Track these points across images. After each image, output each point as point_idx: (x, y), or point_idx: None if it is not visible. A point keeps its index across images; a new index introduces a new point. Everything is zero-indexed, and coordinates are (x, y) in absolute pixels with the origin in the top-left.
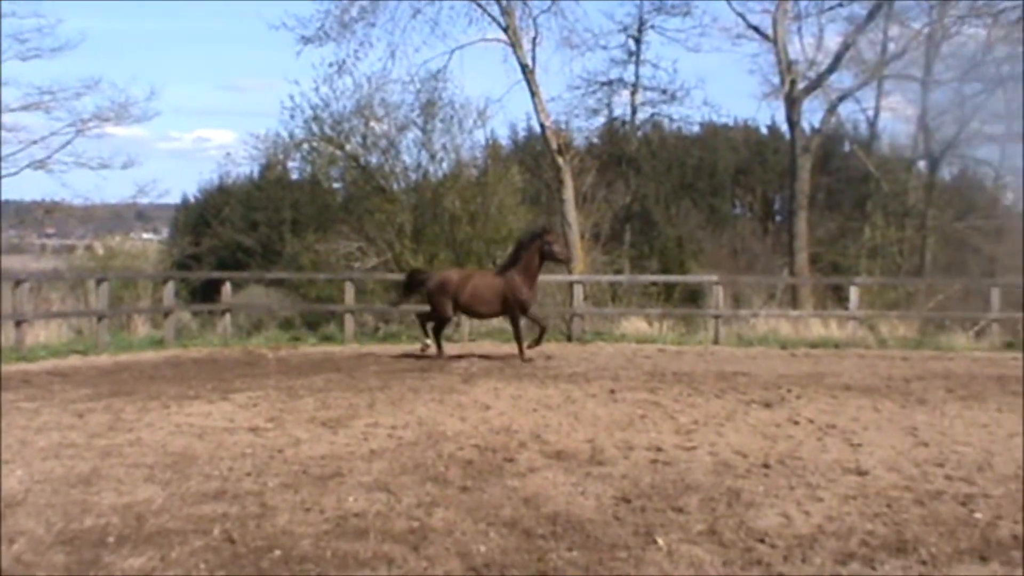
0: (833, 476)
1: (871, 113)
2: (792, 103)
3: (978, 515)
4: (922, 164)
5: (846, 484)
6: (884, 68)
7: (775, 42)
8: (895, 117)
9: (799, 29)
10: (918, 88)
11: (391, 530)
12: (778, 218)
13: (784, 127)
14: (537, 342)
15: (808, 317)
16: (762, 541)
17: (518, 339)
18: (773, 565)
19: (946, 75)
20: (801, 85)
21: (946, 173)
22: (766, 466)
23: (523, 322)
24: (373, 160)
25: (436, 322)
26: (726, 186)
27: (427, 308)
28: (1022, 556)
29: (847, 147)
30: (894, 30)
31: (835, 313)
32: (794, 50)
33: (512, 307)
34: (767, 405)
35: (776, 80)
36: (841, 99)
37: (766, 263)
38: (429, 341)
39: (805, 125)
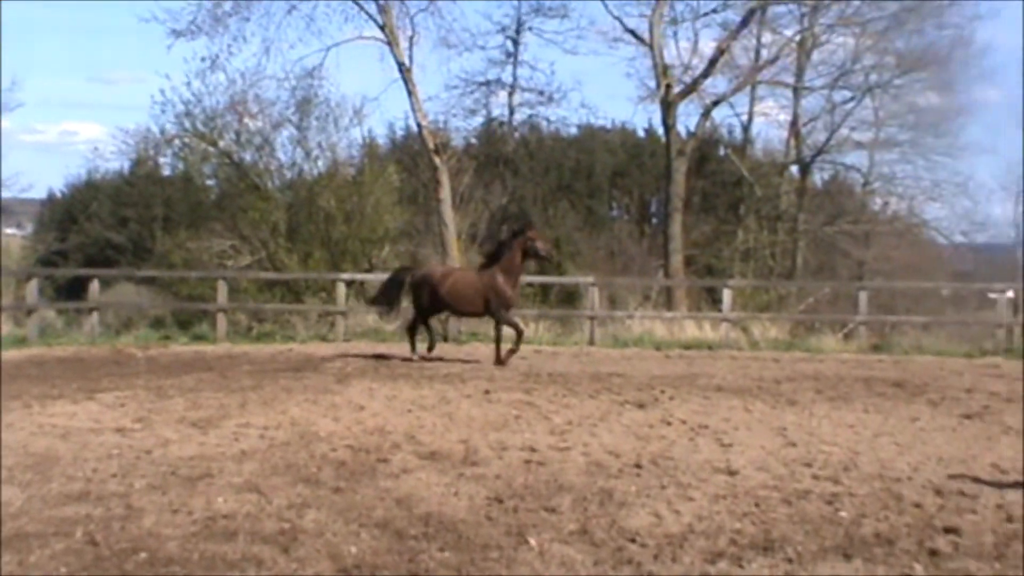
0: (704, 476)
1: (745, 118)
2: (668, 107)
3: (843, 513)
4: (794, 169)
5: (716, 484)
6: (757, 74)
7: (651, 46)
8: (768, 122)
9: (675, 34)
10: (790, 94)
11: (261, 531)
12: (654, 220)
13: (660, 130)
14: (515, 349)
15: (682, 319)
16: (633, 540)
17: (497, 342)
18: (643, 564)
19: (817, 82)
20: (676, 89)
21: (817, 178)
22: (638, 466)
23: (504, 326)
24: (247, 157)
25: (418, 319)
26: (603, 188)
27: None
28: (884, 553)
29: (722, 151)
30: (767, 37)
31: (709, 315)
32: (670, 54)
33: (494, 307)
34: (641, 406)
35: (652, 84)
36: (716, 104)
37: (642, 265)
38: (415, 353)
39: (681, 129)
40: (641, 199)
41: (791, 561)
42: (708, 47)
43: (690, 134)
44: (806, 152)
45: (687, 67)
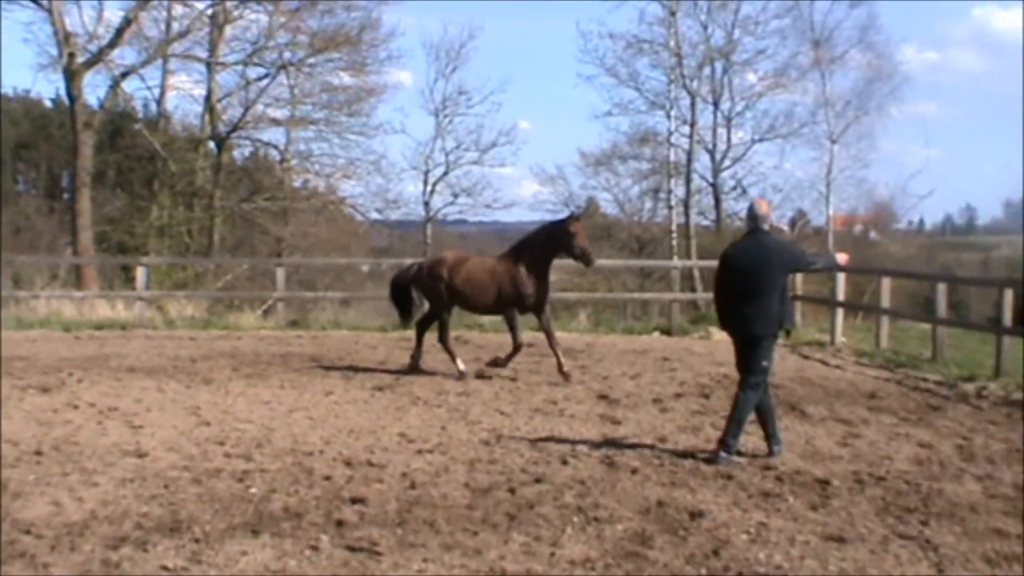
0: (111, 460)
1: (158, 92)
2: (72, 77)
3: (253, 490)
4: (212, 145)
5: (124, 467)
6: (168, 47)
7: (50, 12)
8: (183, 96)
9: (78, 0)
10: (204, 69)
11: None
12: (65, 195)
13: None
14: (498, 362)
15: (94, 298)
16: (28, 532)
17: (553, 349)
18: (38, 556)
19: (231, 58)
20: (81, 59)
21: (237, 155)
22: (39, 453)
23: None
24: None
25: (438, 319)
26: (7, 160)
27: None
28: (292, 527)
29: (137, 125)
30: (178, 9)
31: (122, 294)
32: (73, 22)
33: (507, 303)
34: (45, 390)
35: (54, 51)
36: (125, 75)
37: (51, 242)
38: (460, 364)
39: (92, 100)
40: (50, 172)
41: (198, 541)
42: (115, 16)
43: (100, 106)
44: (222, 128)
45: (93, 36)
